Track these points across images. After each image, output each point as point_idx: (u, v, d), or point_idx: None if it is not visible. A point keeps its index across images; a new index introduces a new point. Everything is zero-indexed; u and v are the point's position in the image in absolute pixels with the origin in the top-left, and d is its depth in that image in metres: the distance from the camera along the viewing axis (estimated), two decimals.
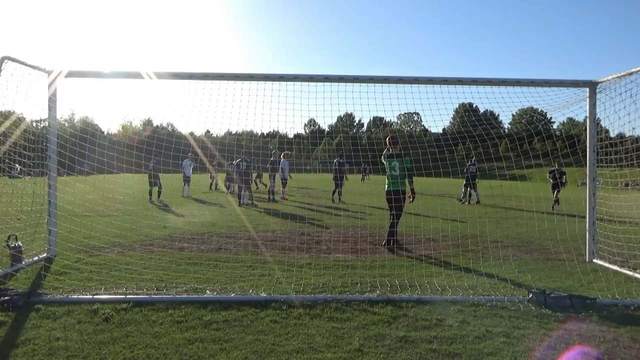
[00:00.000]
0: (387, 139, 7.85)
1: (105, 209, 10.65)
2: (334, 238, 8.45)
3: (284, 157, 16.72)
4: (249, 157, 15.13)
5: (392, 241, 7.56)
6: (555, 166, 15.72)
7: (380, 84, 6.38)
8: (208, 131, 11.40)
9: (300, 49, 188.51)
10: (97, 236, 7.58)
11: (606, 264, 6.39)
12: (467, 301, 4.67)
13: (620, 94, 6.01)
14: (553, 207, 14.71)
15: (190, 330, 3.88)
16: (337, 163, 16.54)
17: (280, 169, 16.76)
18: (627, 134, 6.64)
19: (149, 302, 4.48)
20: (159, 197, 15.77)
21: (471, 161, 16.85)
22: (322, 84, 6.27)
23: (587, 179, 6.79)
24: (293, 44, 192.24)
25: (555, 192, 15.12)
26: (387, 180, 7.76)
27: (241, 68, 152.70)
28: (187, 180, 17.57)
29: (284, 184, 17.11)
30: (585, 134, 6.79)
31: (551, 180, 15.55)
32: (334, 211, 12.88)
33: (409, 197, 7.64)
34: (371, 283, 5.31)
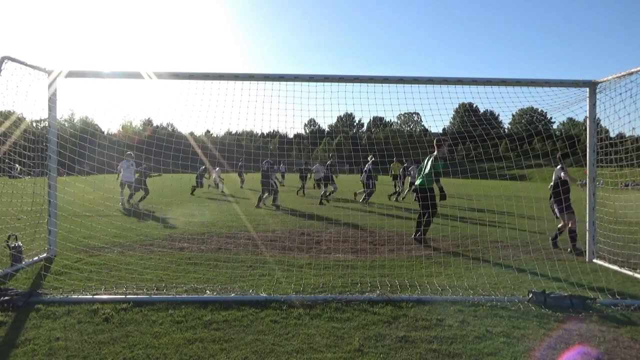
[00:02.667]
0: (435, 141, 8.21)
1: (105, 209, 10.66)
2: (334, 238, 8.45)
3: (370, 159, 15.68)
4: (272, 158, 14.55)
5: (421, 231, 8.03)
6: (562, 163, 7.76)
7: (380, 84, 6.39)
8: (208, 131, 11.41)
9: (300, 49, 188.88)
10: (97, 236, 7.58)
11: (606, 264, 6.39)
12: (467, 301, 4.67)
13: (620, 94, 6.02)
14: (555, 242, 7.78)
15: (190, 330, 3.88)
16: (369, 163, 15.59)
17: (364, 171, 15.80)
18: (627, 134, 6.66)
19: (149, 302, 4.48)
20: (131, 199, 13.91)
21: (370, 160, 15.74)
22: (322, 84, 6.27)
23: (587, 179, 6.78)
24: (293, 44, 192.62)
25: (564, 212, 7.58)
26: (420, 178, 8.19)
27: (241, 68, 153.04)
28: (129, 185, 14.13)
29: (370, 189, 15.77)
30: (585, 134, 6.79)
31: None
32: (334, 211, 12.88)
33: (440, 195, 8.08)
34: (371, 283, 5.30)
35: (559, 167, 7.67)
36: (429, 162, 8.10)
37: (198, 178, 19.98)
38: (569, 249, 7.41)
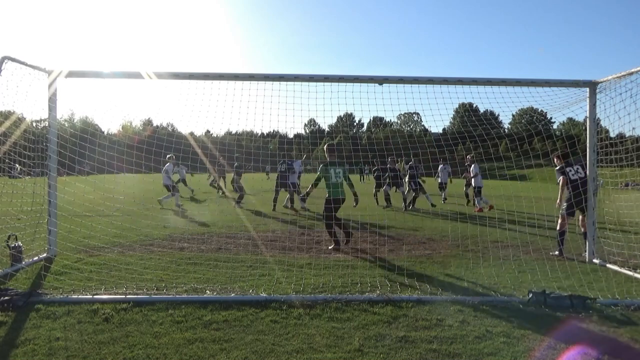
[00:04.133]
0: (325, 148, 7.73)
1: (105, 209, 10.64)
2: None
3: (471, 159, 14.10)
4: (290, 159, 13.47)
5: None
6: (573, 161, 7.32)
7: (380, 84, 6.38)
8: (208, 131, 11.40)
9: (300, 49, 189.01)
10: (97, 236, 7.58)
11: (606, 264, 6.39)
12: (467, 301, 4.67)
13: (620, 94, 6.01)
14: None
15: (190, 330, 3.88)
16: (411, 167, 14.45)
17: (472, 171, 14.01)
18: (627, 134, 6.64)
19: (149, 302, 4.48)
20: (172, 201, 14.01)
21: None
22: (322, 84, 6.27)
23: (588, 179, 6.78)
24: (293, 44, 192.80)
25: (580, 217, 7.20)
26: (333, 189, 7.39)
27: (241, 68, 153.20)
28: (174, 187, 14.28)
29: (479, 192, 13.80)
30: (585, 134, 6.78)
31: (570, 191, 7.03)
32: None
33: (354, 199, 7.70)
34: (371, 283, 5.30)
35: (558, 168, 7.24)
36: (340, 170, 7.46)
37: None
38: (555, 252, 7.12)
